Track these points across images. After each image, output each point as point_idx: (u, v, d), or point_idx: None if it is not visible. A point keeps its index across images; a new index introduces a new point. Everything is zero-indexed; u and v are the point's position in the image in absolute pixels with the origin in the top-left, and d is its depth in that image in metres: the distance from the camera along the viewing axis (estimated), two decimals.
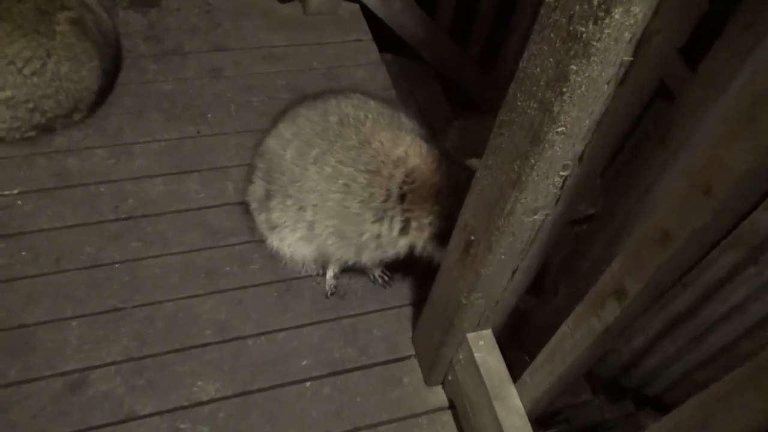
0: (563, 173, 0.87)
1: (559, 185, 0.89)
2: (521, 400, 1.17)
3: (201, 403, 1.40)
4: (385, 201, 1.34)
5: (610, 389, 2.05)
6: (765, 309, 1.49)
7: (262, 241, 1.60)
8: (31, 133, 1.73)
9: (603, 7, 0.69)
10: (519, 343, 1.67)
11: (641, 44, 0.73)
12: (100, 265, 1.59)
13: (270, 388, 1.44)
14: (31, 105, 1.66)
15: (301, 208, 1.42)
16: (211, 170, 1.84)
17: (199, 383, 1.42)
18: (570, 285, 1.38)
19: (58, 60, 1.66)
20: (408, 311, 1.61)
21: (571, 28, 0.73)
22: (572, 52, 0.74)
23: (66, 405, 1.38)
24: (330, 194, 1.36)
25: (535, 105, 0.82)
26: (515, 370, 1.25)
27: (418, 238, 1.34)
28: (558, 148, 0.83)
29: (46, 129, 1.76)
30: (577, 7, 0.73)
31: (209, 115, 1.98)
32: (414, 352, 1.51)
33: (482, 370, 1.21)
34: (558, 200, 0.91)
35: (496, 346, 1.23)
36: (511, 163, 0.90)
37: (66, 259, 1.59)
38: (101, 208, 1.71)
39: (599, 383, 2.01)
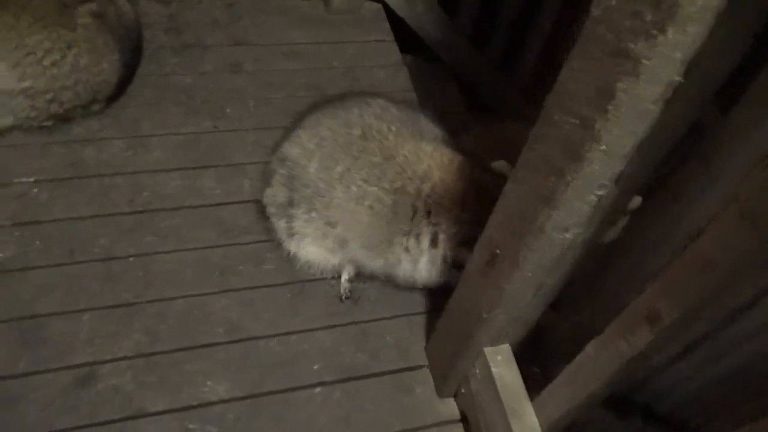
0: (599, 192, 0.84)
1: (593, 204, 0.86)
2: (538, 419, 1.15)
3: (210, 403, 1.38)
4: (413, 218, 1.36)
5: (620, 404, 2.03)
6: None
7: (277, 242, 1.59)
8: (48, 123, 1.72)
9: (657, 24, 0.66)
10: (532, 356, 1.65)
11: (692, 64, 0.71)
12: (113, 258, 1.58)
13: (280, 392, 1.42)
14: (49, 96, 1.65)
15: (329, 224, 1.43)
16: (227, 166, 1.82)
17: (209, 383, 1.41)
18: (595, 302, 1.36)
19: (78, 52, 1.65)
20: (421, 319, 1.59)
21: (620, 44, 0.71)
22: (619, 69, 0.71)
23: (75, 399, 1.36)
24: (357, 214, 1.38)
25: (574, 121, 0.80)
26: (527, 383, 1.23)
27: (447, 249, 1.33)
28: (597, 167, 0.80)
29: (64, 119, 1.75)
30: (627, 23, 0.70)
31: (227, 110, 1.96)
32: (427, 362, 1.49)
33: (499, 386, 1.19)
34: (591, 219, 0.89)
35: (514, 362, 1.21)
36: (545, 178, 0.88)
37: (80, 250, 1.57)
38: (116, 200, 1.69)
39: (609, 397, 1.98)
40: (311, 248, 1.49)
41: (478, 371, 1.25)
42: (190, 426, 1.35)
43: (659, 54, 0.68)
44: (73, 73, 1.65)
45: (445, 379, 1.36)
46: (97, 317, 1.48)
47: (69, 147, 1.77)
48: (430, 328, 1.54)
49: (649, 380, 1.89)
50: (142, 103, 1.92)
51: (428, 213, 1.36)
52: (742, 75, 0.92)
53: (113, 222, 1.65)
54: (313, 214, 1.45)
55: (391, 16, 2.37)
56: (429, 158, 1.38)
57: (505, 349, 1.21)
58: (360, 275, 1.59)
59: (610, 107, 0.74)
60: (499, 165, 1.30)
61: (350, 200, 1.39)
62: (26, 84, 1.60)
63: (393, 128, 1.42)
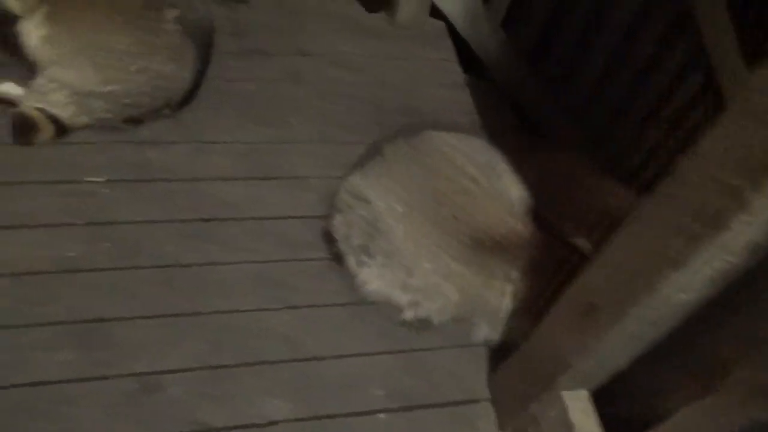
0: (731, 259, 0.82)
1: (722, 269, 0.84)
2: None
3: (272, 423, 1.37)
4: (491, 286, 1.42)
5: None
6: None
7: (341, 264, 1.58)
8: (120, 125, 1.72)
9: None
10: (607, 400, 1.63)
11: None
12: (177, 265, 1.57)
13: (343, 416, 1.41)
14: (128, 100, 1.65)
15: (407, 285, 1.47)
16: (290, 178, 1.81)
17: (272, 401, 1.39)
18: (688, 359, 1.33)
19: (162, 59, 1.65)
20: (483, 351, 1.56)
21: None
22: None
23: (137, 407, 1.35)
24: (443, 288, 1.44)
25: (715, 187, 0.78)
26: None
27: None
28: (735, 235, 0.79)
29: (135, 122, 1.74)
30: None
31: (290, 120, 1.95)
32: (488, 396, 1.47)
33: None
34: (715, 282, 0.87)
35: (594, 410, 1.19)
36: (669, 239, 0.86)
37: (145, 254, 1.57)
38: (180, 205, 1.68)
39: None
40: (382, 288, 1.50)
41: (552, 415, 1.23)
42: None
43: None
44: (154, 79, 1.65)
45: (512, 418, 1.34)
46: (159, 325, 1.47)
47: (136, 148, 1.76)
48: (492, 361, 1.52)
49: None
50: (206, 107, 1.91)
51: (508, 278, 1.41)
52: None
53: (177, 228, 1.64)
54: (396, 269, 1.46)
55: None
56: (510, 228, 1.42)
57: (585, 395, 1.19)
58: None
59: (765, 180, 0.72)
60: (581, 242, 1.38)
61: (437, 274, 1.43)
62: (109, 88, 1.60)
63: (477, 190, 1.46)
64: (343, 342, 1.53)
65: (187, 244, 1.61)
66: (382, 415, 1.42)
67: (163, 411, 1.35)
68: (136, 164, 1.73)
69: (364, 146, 1.86)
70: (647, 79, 2.03)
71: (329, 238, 1.63)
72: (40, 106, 1.67)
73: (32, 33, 1.63)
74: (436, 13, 2.35)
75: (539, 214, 1.51)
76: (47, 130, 1.69)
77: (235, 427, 1.35)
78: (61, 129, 1.70)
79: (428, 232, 1.44)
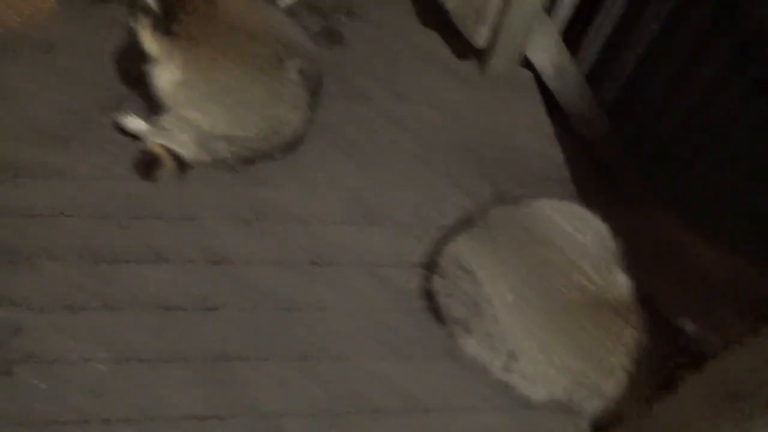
0: None
1: None
2: None
3: None
4: (600, 370, 1.46)
5: None
6: None
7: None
8: (238, 166, 1.80)
9: None
10: None
11: None
12: (293, 309, 1.63)
13: None
14: (249, 143, 1.73)
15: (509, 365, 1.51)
16: (397, 225, 1.86)
17: None
18: None
19: (286, 108, 1.72)
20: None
21: None
22: None
23: None
24: (549, 378, 1.48)
25: None
26: None
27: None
28: None
29: (250, 163, 1.82)
30: None
31: (392, 165, 2.01)
32: None
33: None
34: None
35: None
36: None
37: (262, 295, 1.63)
38: (293, 247, 1.75)
39: None
40: (480, 358, 1.55)
41: None
42: None
43: None
44: (277, 126, 1.73)
45: None
46: (280, 367, 1.53)
47: (249, 188, 1.84)
48: (597, 421, 1.55)
49: None
50: (312, 149, 1.97)
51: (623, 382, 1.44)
52: None
53: (290, 271, 1.70)
54: (494, 350, 1.51)
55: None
56: (619, 334, 1.44)
57: None
58: None
59: None
60: (686, 323, 1.43)
61: (545, 363, 1.46)
62: (238, 133, 1.69)
63: (588, 284, 1.48)
64: (454, 396, 1.56)
65: (300, 286, 1.68)
66: None
67: None
68: (250, 204, 1.80)
69: (465, 195, 1.93)
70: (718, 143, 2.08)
71: (429, 296, 1.68)
72: (164, 143, 1.77)
73: (166, 75, 1.72)
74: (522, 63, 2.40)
75: (645, 298, 1.52)
76: (169, 166, 1.78)
77: None
78: (182, 166, 1.79)
79: (540, 325, 1.46)
